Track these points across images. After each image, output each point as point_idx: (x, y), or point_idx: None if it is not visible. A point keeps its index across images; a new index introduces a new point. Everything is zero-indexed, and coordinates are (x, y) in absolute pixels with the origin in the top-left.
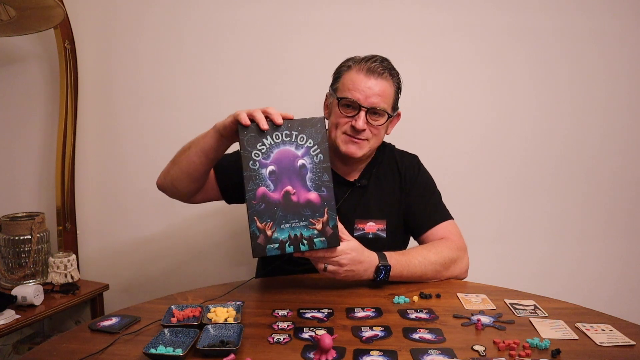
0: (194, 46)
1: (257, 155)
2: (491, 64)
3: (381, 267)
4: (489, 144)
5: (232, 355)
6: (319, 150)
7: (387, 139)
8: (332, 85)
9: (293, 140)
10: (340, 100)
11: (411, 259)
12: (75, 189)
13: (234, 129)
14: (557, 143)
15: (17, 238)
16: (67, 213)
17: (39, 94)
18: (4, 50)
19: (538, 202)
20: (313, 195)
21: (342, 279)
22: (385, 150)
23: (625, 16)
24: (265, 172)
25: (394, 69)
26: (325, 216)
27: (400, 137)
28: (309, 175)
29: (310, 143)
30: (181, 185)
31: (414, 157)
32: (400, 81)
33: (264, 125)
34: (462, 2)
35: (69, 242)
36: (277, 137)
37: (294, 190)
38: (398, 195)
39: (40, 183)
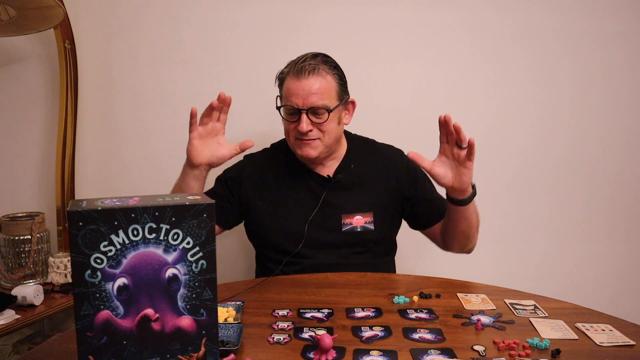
0: (194, 46)
1: (99, 261)
2: (491, 63)
3: (473, 185)
4: (489, 143)
5: (232, 355)
6: (201, 254)
7: (374, 135)
8: (279, 93)
9: (161, 237)
10: (280, 110)
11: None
12: (75, 189)
13: (201, 163)
14: (557, 143)
15: (17, 238)
16: (67, 213)
17: (39, 94)
18: (4, 50)
19: (538, 202)
20: (185, 322)
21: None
22: (368, 145)
23: (626, 17)
24: (112, 287)
25: (328, 61)
26: (202, 351)
27: (400, 137)
28: (182, 291)
29: (188, 243)
30: None
31: (401, 151)
32: (339, 70)
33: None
34: (462, 2)
35: (69, 242)
36: (135, 232)
37: (157, 315)
38: (384, 187)
39: (40, 183)
